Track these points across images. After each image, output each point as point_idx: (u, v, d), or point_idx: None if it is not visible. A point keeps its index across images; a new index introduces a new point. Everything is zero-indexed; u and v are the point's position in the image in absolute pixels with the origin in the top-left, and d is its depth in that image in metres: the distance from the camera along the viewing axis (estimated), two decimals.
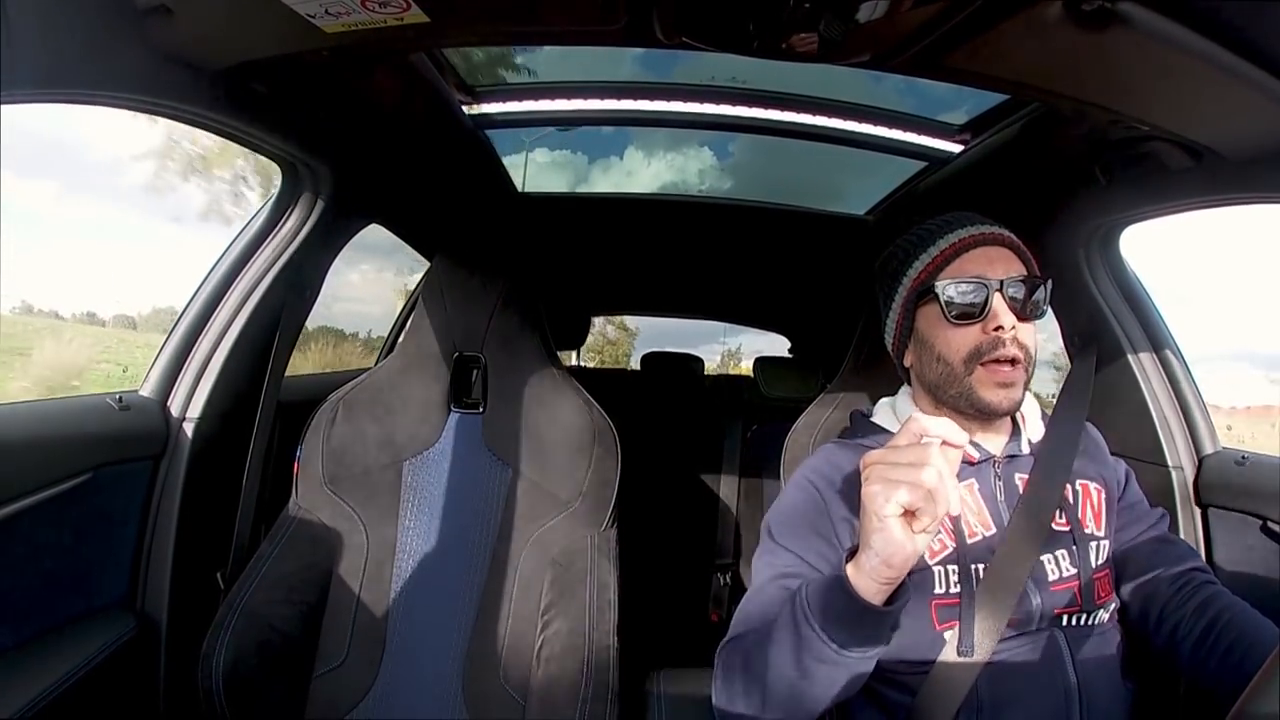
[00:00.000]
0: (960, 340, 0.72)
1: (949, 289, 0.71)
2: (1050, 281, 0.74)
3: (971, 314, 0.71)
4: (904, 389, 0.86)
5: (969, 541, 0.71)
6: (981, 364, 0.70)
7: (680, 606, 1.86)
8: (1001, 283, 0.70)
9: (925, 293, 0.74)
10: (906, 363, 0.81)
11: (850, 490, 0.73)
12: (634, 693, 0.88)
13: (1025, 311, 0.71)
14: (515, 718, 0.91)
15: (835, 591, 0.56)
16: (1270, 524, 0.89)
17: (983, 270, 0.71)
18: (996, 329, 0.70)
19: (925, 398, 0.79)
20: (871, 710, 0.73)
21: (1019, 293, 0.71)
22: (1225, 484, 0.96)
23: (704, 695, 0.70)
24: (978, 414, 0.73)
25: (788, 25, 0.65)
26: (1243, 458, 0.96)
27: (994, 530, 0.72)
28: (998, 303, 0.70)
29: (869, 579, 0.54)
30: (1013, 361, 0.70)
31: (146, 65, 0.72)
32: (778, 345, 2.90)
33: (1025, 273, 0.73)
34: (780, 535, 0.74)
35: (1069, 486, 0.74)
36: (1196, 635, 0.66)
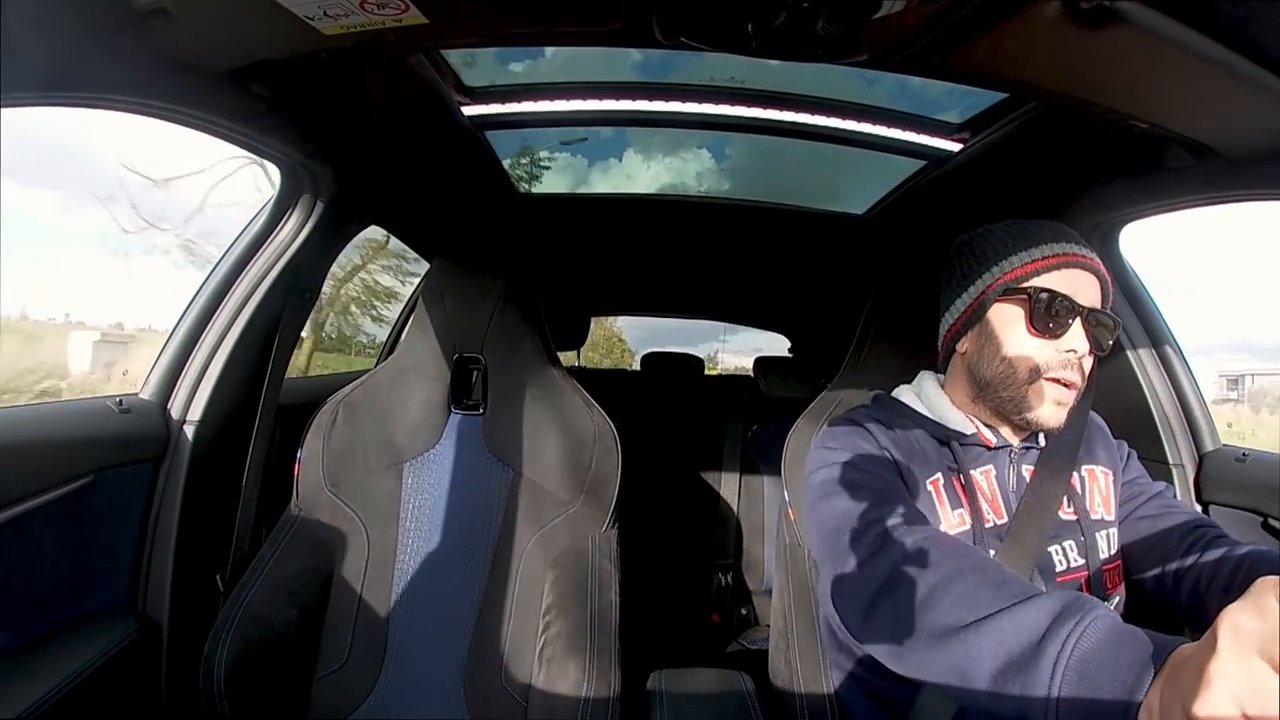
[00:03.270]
0: (1032, 349, 0.71)
1: (1042, 297, 0.70)
2: (1120, 326, 0.74)
3: (1052, 330, 0.70)
4: (928, 376, 0.84)
5: (985, 526, 0.71)
6: (1045, 378, 0.71)
7: (681, 606, 1.86)
8: (1090, 311, 0.70)
9: (1013, 291, 0.73)
10: (960, 348, 0.79)
11: (888, 440, 0.75)
12: (635, 693, 0.88)
13: (1095, 345, 0.71)
14: (516, 718, 0.91)
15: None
16: (1271, 521, 0.89)
17: (1075, 291, 0.71)
18: (1069, 350, 0.70)
19: (964, 387, 0.78)
20: (873, 706, 0.73)
21: (1099, 326, 0.71)
22: (1226, 481, 0.97)
23: (705, 694, 0.70)
24: (1020, 421, 0.73)
25: (786, 25, 0.65)
26: (1243, 455, 0.96)
27: (1005, 519, 0.73)
28: (1078, 327, 0.70)
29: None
30: (1071, 385, 0.71)
31: (145, 68, 0.73)
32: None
33: (1104, 307, 0.73)
34: (833, 475, 0.73)
35: (1076, 474, 0.75)
36: (1224, 577, 0.65)
